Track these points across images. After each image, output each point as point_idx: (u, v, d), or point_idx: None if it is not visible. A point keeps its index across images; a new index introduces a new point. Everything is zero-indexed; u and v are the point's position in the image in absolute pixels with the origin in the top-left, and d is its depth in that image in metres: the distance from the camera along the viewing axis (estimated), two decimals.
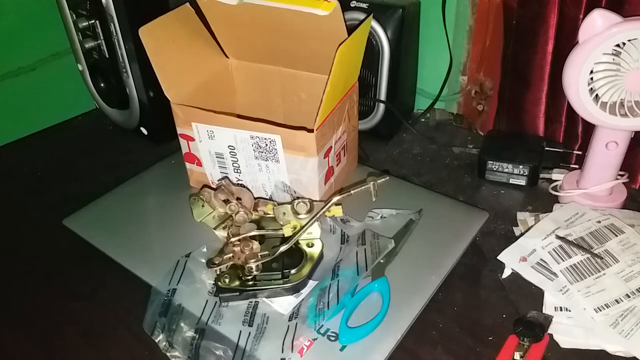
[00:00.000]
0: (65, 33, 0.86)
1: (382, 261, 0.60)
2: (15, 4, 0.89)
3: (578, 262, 0.62)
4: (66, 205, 0.73)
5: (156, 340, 0.55)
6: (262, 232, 0.61)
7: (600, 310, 0.57)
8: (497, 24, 0.81)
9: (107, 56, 0.81)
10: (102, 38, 0.80)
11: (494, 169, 0.77)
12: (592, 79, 0.62)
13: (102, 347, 0.57)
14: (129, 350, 0.57)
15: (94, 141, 0.93)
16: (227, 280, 0.58)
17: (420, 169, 0.82)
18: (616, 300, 0.57)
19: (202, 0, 0.68)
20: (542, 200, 0.74)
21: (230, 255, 0.59)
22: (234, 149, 0.67)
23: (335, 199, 0.61)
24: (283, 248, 0.59)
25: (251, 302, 0.58)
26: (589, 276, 0.60)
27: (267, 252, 0.59)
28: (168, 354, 0.54)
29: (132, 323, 0.58)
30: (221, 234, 0.65)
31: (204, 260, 0.61)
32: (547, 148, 0.77)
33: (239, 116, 0.66)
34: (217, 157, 0.69)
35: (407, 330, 0.55)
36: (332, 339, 0.54)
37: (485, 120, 0.91)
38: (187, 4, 0.70)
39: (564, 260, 0.62)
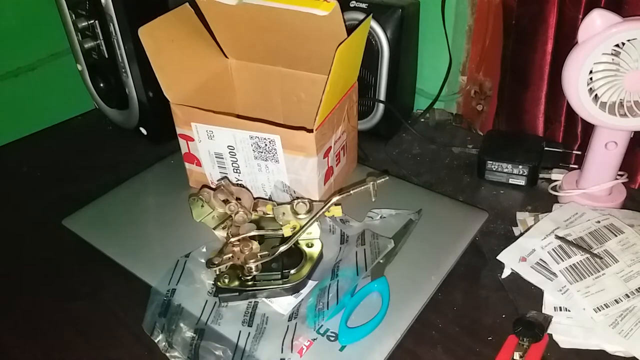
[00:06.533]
0: (64, 33, 0.86)
1: (381, 261, 0.60)
2: (15, 4, 0.89)
3: (577, 262, 0.62)
4: (66, 205, 0.73)
5: (156, 341, 0.55)
6: (261, 232, 0.61)
7: (600, 310, 0.57)
8: (497, 24, 0.81)
9: (107, 56, 0.81)
10: (101, 38, 0.80)
11: (494, 169, 0.77)
12: (591, 79, 0.62)
13: (102, 347, 0.57)
14: (128, 351, 0.57)
15: (93, 141, 0.93)
16: (226, 281, 0.58)
17: (420, 169, 0.82)
18: (615, 300, 0.57)
19: (201, 1, 0.68)
20: (542, 200, 0.74)
21: (230, 255, 0.59)
22: (233, 149, 0.67)
23: (334, 199, 0.61)
24: (282, 248, 0.59)
25: (251, 302, 0.58)
26: (589, 276, 0.60)
27: (266, 252, 0.59)
28: (167, 354, 0.54)
29: (131, 323, 0.58)
30: (221, 234, 0.65)
31: (203, 261, 0.61)
32: (546, 148, 0.77)
33: (239, 116, 0.66)
34: (216, 157, 0.69)
35: (407, 330, 0.55)
36: (332, 339, 0.54)
37: (484, 120, 0.91)
38: (187, 4, 0.70)
39: (563, 260, 0.62)
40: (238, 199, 0.66)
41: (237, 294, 0.58)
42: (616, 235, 0.64)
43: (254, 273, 0.58)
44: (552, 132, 0.81)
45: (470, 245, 0.65)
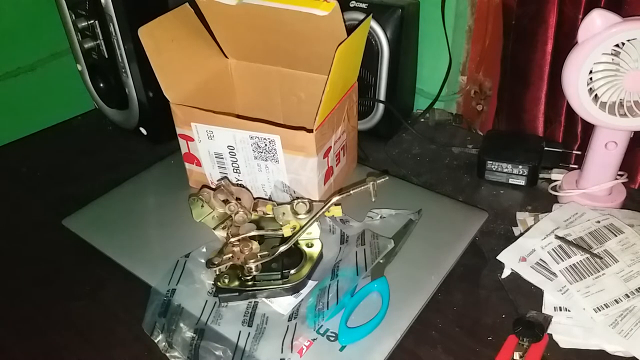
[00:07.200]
0: (64, 33, 0.86)
1: (381, 261, 0.60)
2: (15, 4, 0.89)
3: (577, 262, 0.62)
4: (66, 206, 0.73)
5: (155, 341, 0.55)
6: (261, 232, 0.61)
7: (600, 310, 0.57)
8: (497, 23, 0.82)
9: (107, 56, 0.81)
10: (101, 38, 0.80)
11: (494, 169, 0.77)
12: (591, 79, 0.62)
13: (102, 347, 0.57)
14: (128, 351, 0.57)
15: (93, 141, 0.93)
16: (226, 281, 0.58)
17: (420, 169, 0.82)
18: (615, 300, 0.57)
19: (201, 0, 0.68)
20: (542, 200, 0.74)
21: (230, 255, 0.59)
22: (233, 149, 0.67)
23: (334, 199, 0.61)
24: (282, 248, 0.59)
25: (251, 302, 0.58)
26: (589, 276, 0.60)
27: (266, 253, 0.59)
28: (167, 354, 0.54)
29: (131, 323, 0.58)
30: (220, 234, 0.65)
31: (203, 261, 0.61)
32: (546, 148, 0.77)
33: (239, 116, 0.66)
34: (216, 157, 0.69)
35: (407, 331, 0.55)
36: (332, 339, 0.54)
37: (484, 120, 0.91)
38: (187, 4, 0.70)
39: (563, 260, 0.62)
40: (238, 199, 0.66)
41: (237, 294, 0.58)
42: (616, 235, 0.64)
43: (254, 273, 0.58)
44: (552, 132, 0.81)
45: (470, 245, 0.65)
